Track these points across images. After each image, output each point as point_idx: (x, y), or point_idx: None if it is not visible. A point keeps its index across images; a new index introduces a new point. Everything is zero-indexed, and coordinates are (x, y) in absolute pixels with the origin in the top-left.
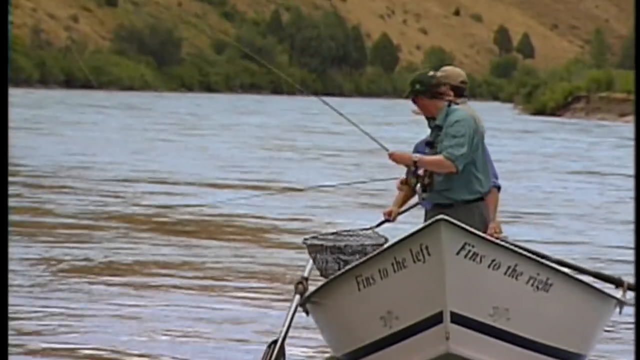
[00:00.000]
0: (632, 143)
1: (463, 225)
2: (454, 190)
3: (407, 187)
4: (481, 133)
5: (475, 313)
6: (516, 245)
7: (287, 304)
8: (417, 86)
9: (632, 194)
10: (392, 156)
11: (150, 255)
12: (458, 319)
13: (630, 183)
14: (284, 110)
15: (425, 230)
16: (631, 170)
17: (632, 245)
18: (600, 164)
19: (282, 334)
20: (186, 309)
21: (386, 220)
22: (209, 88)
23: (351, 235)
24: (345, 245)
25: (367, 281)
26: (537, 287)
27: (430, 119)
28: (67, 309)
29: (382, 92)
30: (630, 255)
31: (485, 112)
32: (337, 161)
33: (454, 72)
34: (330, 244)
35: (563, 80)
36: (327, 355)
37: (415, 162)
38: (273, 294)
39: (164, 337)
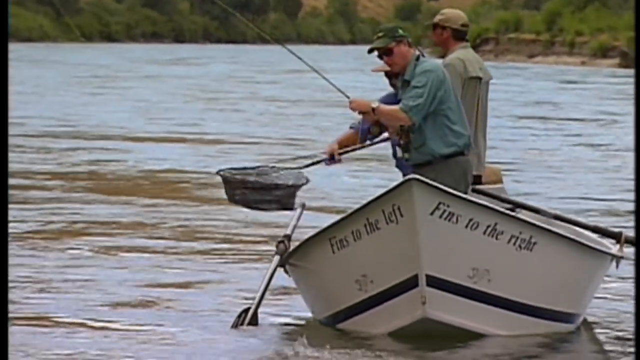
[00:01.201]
0: (557, 84)
1: (436, 184)
2: (428, 143)
3: (355, 134)
4: (448, 84)
5: (453, 275)
6: (509, 200)
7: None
8: (400, 31)
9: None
10: (352, 103)
11: (96, 216)
12: (434, 282)
13: (580, 127)
14: (202, 59)
15: (397, 190)
16: (579, 114)
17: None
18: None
19: (257, 300)
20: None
21: (323, 160)
22: (109, 38)
23: (273, 172)
24: (255, 181)
25: (341, 243)
26: (520, 247)
27: (393, 76)
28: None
29: (286, 38)
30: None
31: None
32: (280, 112)
33: (454, 14)
34: (238, 178)
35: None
36: (303, 322)
37: (373, 110)
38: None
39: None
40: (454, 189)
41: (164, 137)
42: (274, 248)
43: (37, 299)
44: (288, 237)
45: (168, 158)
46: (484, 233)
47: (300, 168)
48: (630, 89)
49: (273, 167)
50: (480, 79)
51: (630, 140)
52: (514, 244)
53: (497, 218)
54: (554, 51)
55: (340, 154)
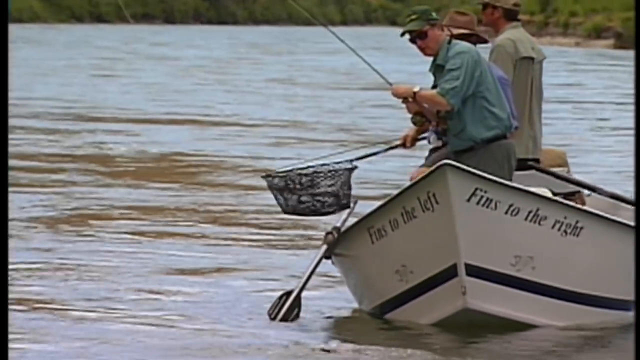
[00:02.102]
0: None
1: (472, 170)
2: (468, 128)
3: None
4: (484, 65)
5: (494, 264)
6: (571, 179)
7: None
8: (433, 14)
9: None
10: (395, 90)
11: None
12: (474, 272)
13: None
14: (197, 40)
15: (431, 177)
16: (597, 96)
17: None
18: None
19: (301, 285)
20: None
21: (400, 145)
22: (99, 19)
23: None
24: (293, 181)
25: (379, 233)
26: (565, 232)
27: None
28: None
29: (277, 19)
30: None
31: (382, 39)
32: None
33: None
34: (281, 183)
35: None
36: (346, 310)
37: (414, 94)
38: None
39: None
40: (497, 174)
41: (175, 119)
42: (303, 233)
43: (54, 286)
44: (337, 230)
45: (179, 141)
46: (526, 219)
47: (352, 160)
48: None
49: (323, 164)
50: (532, 59)
51: None
52: (559, 229)
53: (539, 203)
54: (548, 32)
55: (416, 140)
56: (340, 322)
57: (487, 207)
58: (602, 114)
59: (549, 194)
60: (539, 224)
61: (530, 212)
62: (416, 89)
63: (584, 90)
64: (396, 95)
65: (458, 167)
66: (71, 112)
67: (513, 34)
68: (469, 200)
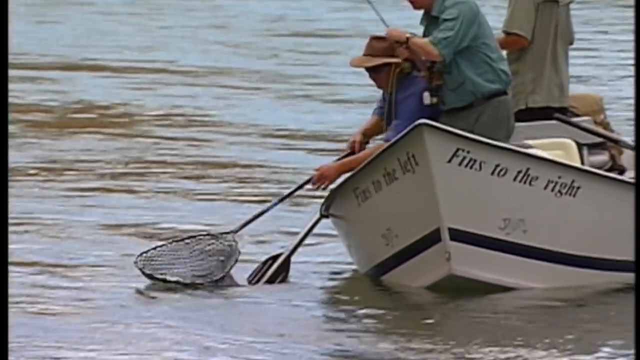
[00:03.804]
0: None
1: (452, 129)
2: (468, 82)
3: (381, 121)
4: (483, 18)
5: (481, 228)
6: (593, 131)
7: None
8: None
9: None
10: (388, 33)
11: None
12: (459, 236)
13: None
14: None
15: (408, 137)
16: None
17: None
18: None
19: (292, 247)
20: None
21: (350, 154)
22: None
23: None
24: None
25: (364, 195)
26: (560, 192)
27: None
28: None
29: None
30: None
31: None
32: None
33: None
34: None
35: None
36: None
37: (407, 40)
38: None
39: None
40: (496, 133)
41: (97, 66)
42: None
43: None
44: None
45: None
46: (515, 180)
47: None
48: None
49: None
50: (557, 2)
51: None
52: (552, 189)
53: (528, 163)
54: None
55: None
56: (334, 284)
57: (471, 168)
58: None
59: (539, 153)
60: (530, 184)
61: (519, 172)
62: (408, 35)
63: None
64: (389, 37)
65: (436, 127)
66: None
67: None
68: (450, 161)
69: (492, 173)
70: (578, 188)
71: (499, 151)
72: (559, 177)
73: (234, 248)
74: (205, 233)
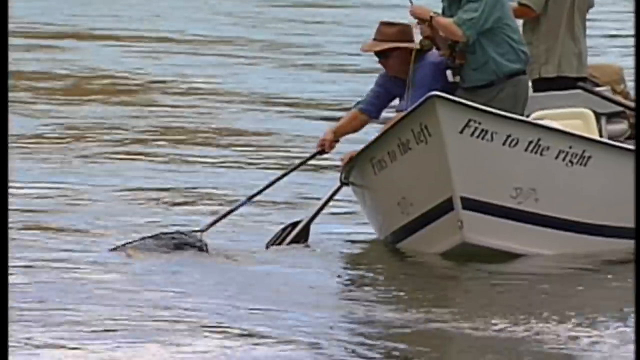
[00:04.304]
0: None
1: (463, 101)
2: (491, 62)
3: (361, 116)
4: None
5: (493, 196)
6: (614, 100)
7: None
8: None
9: None
10: (413, 10)
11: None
12: (472, 205)
13: None
14: None
15: (421, 108)
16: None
17: None
18: None
19: (312, 213)
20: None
21: (320, 152)
22: None
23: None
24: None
25: (380, 164)
26: (571, 162)
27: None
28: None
29: None
30: None
31: None
32: None
33: None
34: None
35: None
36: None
37: (431, 18)
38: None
39: None
40: (512, 111)
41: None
42: None
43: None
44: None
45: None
46: (526, 150)
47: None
48: None
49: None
50: None
51: None
52: (564, 159)
53: (539, 133)
54: None
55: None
56: (351, 251)
57: (483, 138)
58: None
59: (551, 124)
60: (541, 154)
61: (530, 142)
62: (432, 14)
63: None
64: (413, 14)
65: (448, 99)
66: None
67: None
68: (461, 132)
69: (504, 143)
70: (589, 158)
71: (510, 122)
72: (570, 147)
73: (203, 246)
74: (175, 231)
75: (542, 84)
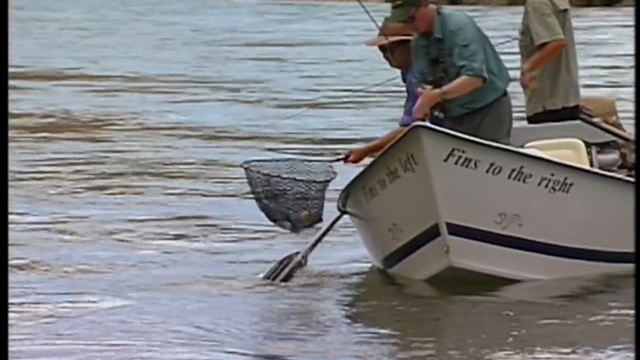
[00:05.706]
0: None
1: (447, 130)
2: (478, 97)
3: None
4: (479, 28)
5: (478, 222)
6: (609, 130)
7: None
8: None
9: None
10: (425, 96)
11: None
12: (457, 230)
13: None
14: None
15: (406, 138)
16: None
17: None
18: None
19: (311, 243)
20: None
21: (344, 159)
22: None
23: (298, 170)
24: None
25: (371, 192)
26: (554, 189)
27: (387, 49)
28: None
29: None
30: None
31: None
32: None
33: None
34: (263, 174)
35: None
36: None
37: (444, 93)
38: None
39: None
40: (500, 131)
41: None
42: None
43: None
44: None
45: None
46: (509, 177)
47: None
48: None
49: (303, 161)
50: (567, 10)
51: None
52: (546, 186)
53: (522, 161)
54: None
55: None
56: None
57: (467, 166)
58: None
59: (533, 152)
60: (524, 181)
61: (513, 170)
62: (439, 91)
63: None
64: (427, 101)
65: (432, 129)
66: None
67: None
68: (446, 160)
69: (487, 171)
70: (571, 185)
71: (493, 150)
72: (552, 175)
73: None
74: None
75: (545, 116)
